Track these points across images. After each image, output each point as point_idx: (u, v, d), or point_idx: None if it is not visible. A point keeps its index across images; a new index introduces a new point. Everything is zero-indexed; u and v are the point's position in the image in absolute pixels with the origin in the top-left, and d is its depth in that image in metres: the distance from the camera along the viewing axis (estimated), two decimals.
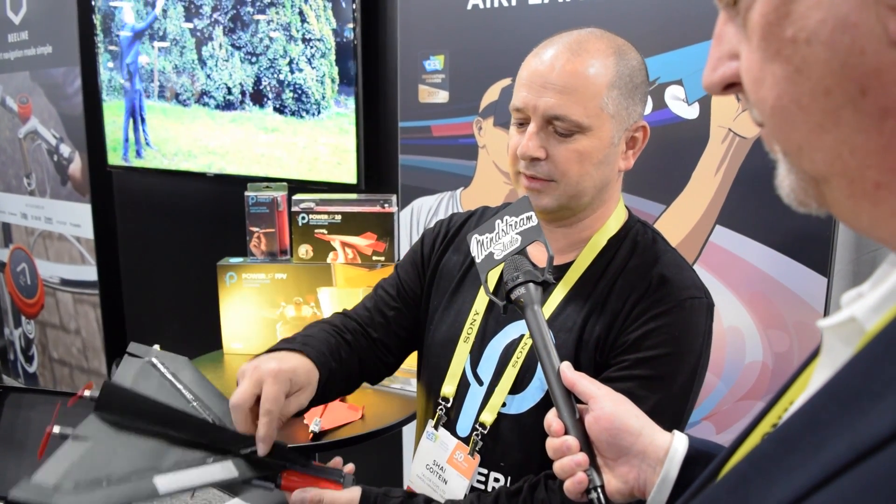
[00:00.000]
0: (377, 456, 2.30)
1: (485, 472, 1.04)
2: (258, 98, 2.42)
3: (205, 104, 2.59)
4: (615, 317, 0.97)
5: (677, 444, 0.72)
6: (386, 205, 1.90)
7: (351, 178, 2.18)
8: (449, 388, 1.08)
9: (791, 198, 0.38)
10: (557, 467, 0.74)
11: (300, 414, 0.99)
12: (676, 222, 1.52)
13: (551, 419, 0.76)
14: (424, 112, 1.93)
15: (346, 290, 1.93)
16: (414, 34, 1.93)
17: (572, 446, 0.73)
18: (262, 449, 0.88)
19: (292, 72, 2.29)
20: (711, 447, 0.74)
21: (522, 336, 1.03)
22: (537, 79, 0.95)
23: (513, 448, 1.02)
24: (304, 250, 1.97)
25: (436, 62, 1.89)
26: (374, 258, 1.92)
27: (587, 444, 0.74)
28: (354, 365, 1.10)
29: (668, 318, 0.94)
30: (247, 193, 2.01)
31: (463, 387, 1.07)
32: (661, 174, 1.52)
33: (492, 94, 1.80)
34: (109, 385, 0.87)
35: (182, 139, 2.70)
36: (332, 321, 1.14)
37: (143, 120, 2.82)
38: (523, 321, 0.84)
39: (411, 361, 1.23)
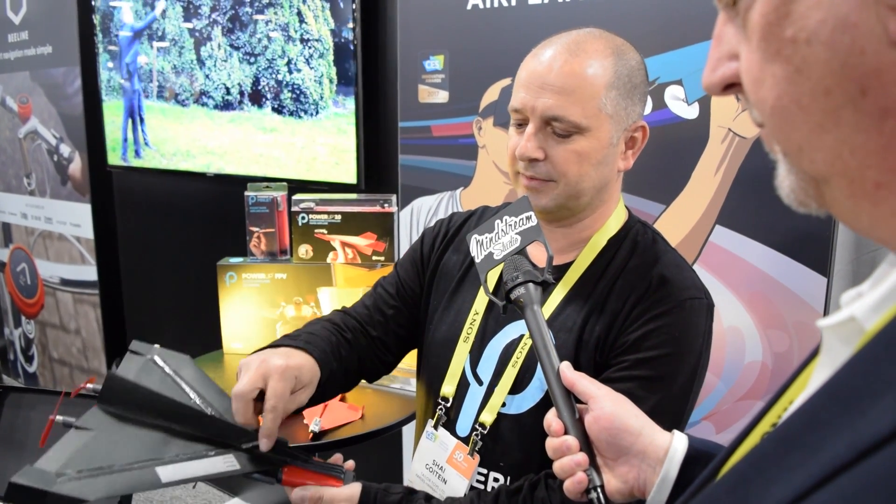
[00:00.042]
0: (377, 456, 2.30)
1: (484, 471, 1.04)
2: (257, 98, 2.42)
3: (203, 104, 2.59)
4: (615, 317, 0.97)
5: (677, 444, 0.72)
6: (386, 205, 1.90)
7: (351, 178, 2.18)
8: (449, 388, 1.08)
9: (791, 198, 0.38)
10: (557, 467, 0.74)
11: (298, 411, 0.99)
12: (676, 222, 1.52)
13: (551, 419, 0.76)
14: (424, 112, 1.93)
15: (346, 289, 1.93)
16: (414, 34, 1.93)
17: (572, 446, 0.73)
18: (265, 444, 0.88)
19: (290, 72, 2.29)
20: (711, 447, 0.74)
21: (522, 336, 1.03)
22: (535, 80, 0.95)
23: (512, 448, 1.02)
24: (304, 250, 1.97)
25: (436, 62, 1.89)
26: (374, 258, 1.92)
27: (587, 444, 0.75)
28: (353, 363, 1.10)
29: (668, 318, 0.94)
30: (247, 193, 2.01)
31: (463, 387, 1.07)
32: (661, 174, 1.52)
33: (492, 94, 1.80)
34: (113, 377, 0.87)
35: (181, 139, 2.70)
36: (332, 319, 1.14)
37: (141, 120, 2.82)
38: (523, 321, 0.84)
39: (411, 361, 1.23)
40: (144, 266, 3.21)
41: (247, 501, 2.81)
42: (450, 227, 1.18)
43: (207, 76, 2.54)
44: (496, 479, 1.03)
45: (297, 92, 2.29)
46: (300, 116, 2.30)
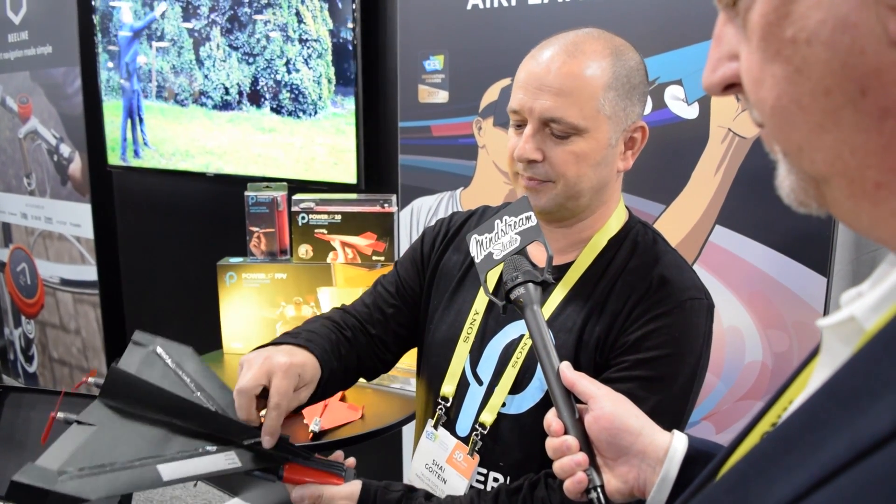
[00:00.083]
0: (377, 455, 2.30)
1: (484, 471, 1.04)
2: (255, 98, 2.42)
3: (202, 104, 2.59)
4: (615, 317, 0.97)
5: (677, 444, 0.72)
6: (386, 205, 1.90)
7: (351, 177, 2.18)
8: (448, 388, 1.08)
9: (791, 198, 0.38)
10: (557, 467, 0.74)
11: (298, 410, 0.99)
12: (676, 222, 1.52)
13: (551, 419, 0.76)
14: (424, 112, 1.93)
15: (345, 289, 1.93)
16: (414, 34, 1.93)
17: (572, 446, 0.73)
18: (268, 442, 0.89)
19: (289, 72, 2.29)
20: (711, 447, 0.74)
21: (522, 336, 1.03)
22: (533, 81, 0.95)
23: (512, 448, 1.02)
24: (304, 250, 1.97)
25: (436, 62, 1.89)
26: (374, 258, 1.92)
27: (587, 444, 0.75)
28: (353, 361, 1.10)
29: (669, 319, 0.94)
30: (247, 193, 2.01)
31: (462, 386, 1.07)
32: (661, 174, 1.52)
33: (491, 94, 1.80)
34: (115, 371, 0.87)
35: (180, 139, 2.70)
36: (331, 317, 1.14)
37: (141, 120, 2.82)
38: (523, 321, 0.84)
39: (411, 361, 1.23)
40: (144, 266, 3.22)
41: (247, 501, 2.81)
42: (450, 227, 1.18)
43: (206, 76, 2.54)
44: (496, 479, 1.03)
45: (296, 92, 2.29)
46: (299, 116, 2.30)
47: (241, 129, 2.49)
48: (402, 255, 1.24)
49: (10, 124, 3.48)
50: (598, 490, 0.72)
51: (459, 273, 1.12)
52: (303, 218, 1.94)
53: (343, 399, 1.72)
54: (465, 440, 1.05)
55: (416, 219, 2.01)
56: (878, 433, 0.28)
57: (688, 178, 1.50)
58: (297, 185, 2.20)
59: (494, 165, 1.83)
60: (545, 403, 0.98)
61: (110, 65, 2.86)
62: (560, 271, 1.03)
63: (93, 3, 2.84)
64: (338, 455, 1.00)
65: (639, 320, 0.95)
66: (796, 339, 1.42)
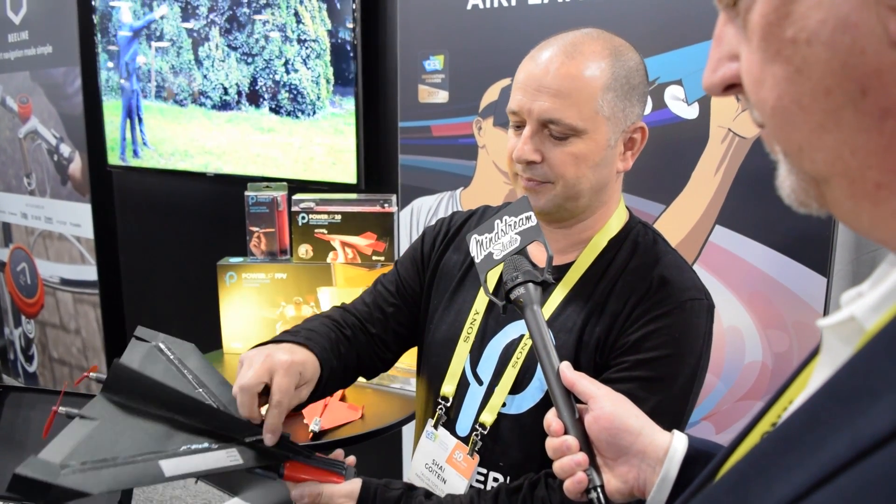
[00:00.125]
0: (377, 455, 2.30)
1: (484, 471, 1.04)
2: (254, 98, 2.42)
3: (201, 104, 2.59)
4: (615, 318, 0.97)
5: (677, 444, 0.72)
6: (386, 205, 1.90)
7: (351, 177, 2.18)
8: (449, 388, 1.08)
9: (792, 198, 0.38)
10: (557, 467, 0.74)
11: (298, 408, 0.99)
12: (676, 222, 1.52)
13: (551, 419, 0.76)
14: (424, 112, 1.93)
15: (345, 289, 1.93)
16: (414, 34, 1.93)
17: (572, 446, 0.73)
18: (269, 439, 0.89)
19: (288, 72, 2.29)
20: (711, 447, 0.74)
21: (522, 336, 1.03)
22: (532, 82, 0.95)
23: (512, 448, 1.02)
24: (304, 250, 1.97)
25: (435, 62, 1.89)
26: (374, 258, 1.92)
27: (587, 444, 0.75)
28: (352, 360, 1.10)
29: (669, 319, 0.94)
30: (247, 193, 2.01)
31: (463, 386, 1.07)
32: (661, 174, 1.52)
33: (491, 94, 1.80)
34: (118, 366, 0.87)
35: (179, 139, 2.70)
36: (331, 315, 1.14)
37: (140, 120, 2.82)
38: (523, 321, 0.84)
39: (411, 361, 1.23)
40: (144, 266, 3.21)
41: (247, 501, 2.81)
42: (451, 227, 1.18)
43: (205, 76, 2.54)
44: (496, 479, 1.03)
45: (295, 92, 2.29)
46: (297, 116, 2.30)
47: (240, 129, 2.49)
48: (402, 254, 1.24)
49: (10, 124, 3.48)
50: (598, 490, 0.72)
51: (460, 273, 1.12)
52: (303, 218, 1.94)
53: (343, 399, 1.72)
54: (465, 440, 1.05)
55: (416, 219, 2.01)
56: (879, 433, 0.28)
57: (688, 178, 1.50)
58: (296, 185, 2.20)
59: (494, 165, 1.83)
60: (545, 403, 0.98)
61: (110, 65, 2.86)
62: (560, 271, 1.03)
63: (93, 3, 2.84)
64: (338, 453, 1.00)
65: (639, 321, 0.95)
66: (796, 339, 1.42)
